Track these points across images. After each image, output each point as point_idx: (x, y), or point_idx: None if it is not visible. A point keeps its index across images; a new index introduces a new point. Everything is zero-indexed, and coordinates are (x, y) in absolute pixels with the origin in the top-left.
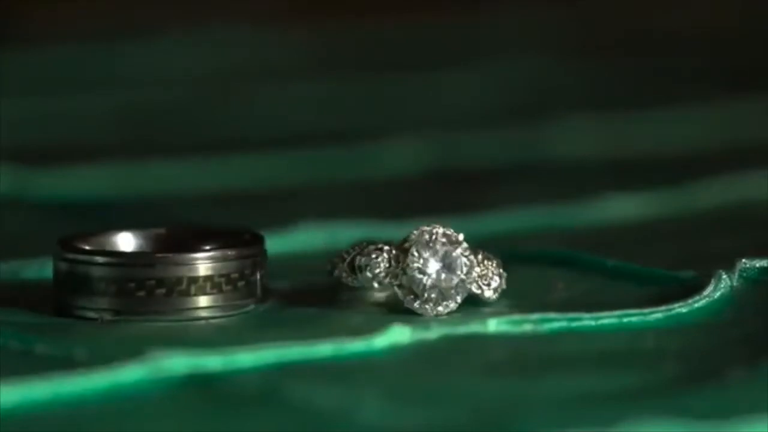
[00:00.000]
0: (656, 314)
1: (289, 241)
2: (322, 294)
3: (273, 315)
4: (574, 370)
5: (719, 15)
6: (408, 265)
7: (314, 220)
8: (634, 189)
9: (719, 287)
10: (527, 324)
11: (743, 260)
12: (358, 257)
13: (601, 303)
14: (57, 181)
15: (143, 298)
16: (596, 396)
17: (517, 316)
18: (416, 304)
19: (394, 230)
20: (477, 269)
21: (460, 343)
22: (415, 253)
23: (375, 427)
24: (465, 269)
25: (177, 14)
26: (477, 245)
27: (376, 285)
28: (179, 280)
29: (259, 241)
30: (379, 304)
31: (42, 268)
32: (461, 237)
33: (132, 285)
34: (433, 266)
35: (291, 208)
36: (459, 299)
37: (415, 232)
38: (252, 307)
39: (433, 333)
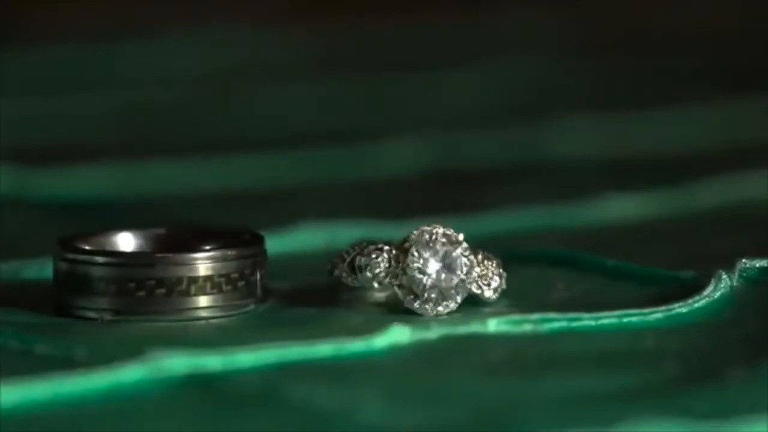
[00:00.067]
0: (656, 314)
1: (289, 241)
2: (322, 294)
3: (273, 315)
4: (574, 370)
5: (719, 15)
6: (408, 265)
7: (314, 220)
8: (634, 189)
9: (719, 287)
10: (527, 324)
11: (743, 260)
12: (358, 257)
13: (601, 303)
14: (57, 181)
15: (143, 298)
16: (596, 396)
17: (517, 316)
18: (416, 304)
19: (394, 230)
20: (477, 269)
21: (460, 343)
22: (415, 253)
23: (375, 427)
24: (465, 269)
25: (177, 14)
26: (477, 245)
27: (376, 285)
28: (179, 280)
29: (259, 241)
30: (379, 304)
31: (42, 268)
32: (461, 237)
33: (132, 285)
34: (433, 266)
35: (291, 208)
36: (459, 299)
37: (415, 232)
38: (252, 307)
39: (433, 333)
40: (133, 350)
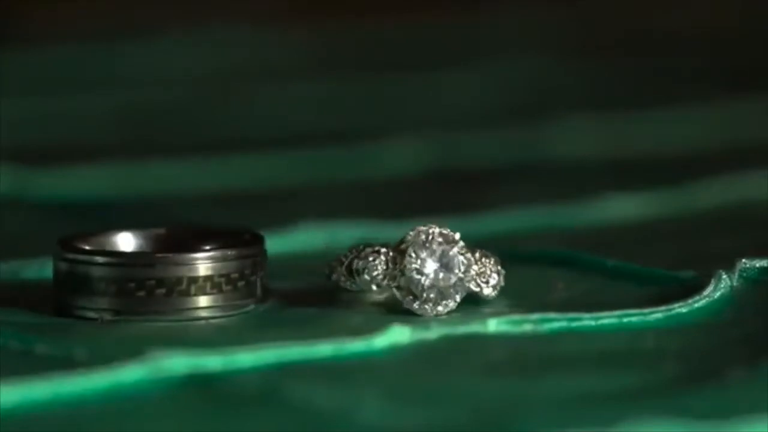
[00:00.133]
0: (656, 314)
1: (289, 241)
2: (322, 294)
3: (273, 315)
4: (574, 370)
5: (719, 15)
6: (405, 266)
7: (314, 220)
8: (634, 189)
9: (719, 287)
10: (527, 324)
11: (743, 260)
12: (356, 260)
13: (601, 303)
14: (57, 181)
15: (143, 298)
16: (596, 396)
17: (517, 316)
18: (415, 305)
19: (394, 230)
20: (475, 267)
21: (460, 343)
22: (412, 254)
23: (375, 427)
24: (463, 268)
25: (177, 14)
26: (477, 245)
27: (374, 288)
28: (179, 280)
29: (259, 241)
30: (378, 304)
31: (42, 268)
32: (457, 236)
33: (132, 285)
34: (431, 266)
35: (291, 208)
36: (458, 298)
37: (411, 232)
38: (252, 307)
39: (433, 333)
40: (133, 350)
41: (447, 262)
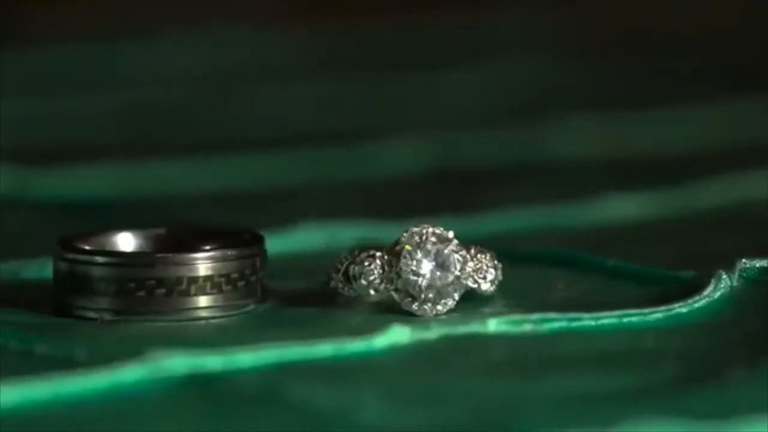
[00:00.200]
0: (656, 314)
1: (289, 241)
2: (322, 294)
3: (273, 315)
4: (574, 370)
5: (719, 15)
6: (401, 268)
7: (314, 220)
8: (634, 189)
9: (719, 287)
10: (527, 324)
11: (743, 260)
12: (352, 266)
13: (601, 303)
14: (57, 181)
15: (143, 298)
16: (596, 396)
17: (517, 316)
18: (414, 306)
19: (394, 230)
20: (471, 264)
21: (460, 343)
22: (408, 256)
23: (375, 427)
24: (459, 265)
25: (177, 14)
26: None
27: (372, 292)
28: (179, 280)
29: (259, 241)
30: (378, 304)
31: (42, 268)
32: (451, 234)
33: (132, 285)
34: (427, 266)
35: (291, 208)
36: (456, 296)
37: (405, 234)
38: (252, 307)
39: (433, 333)
40: (133, 350)
41: (442, 262)
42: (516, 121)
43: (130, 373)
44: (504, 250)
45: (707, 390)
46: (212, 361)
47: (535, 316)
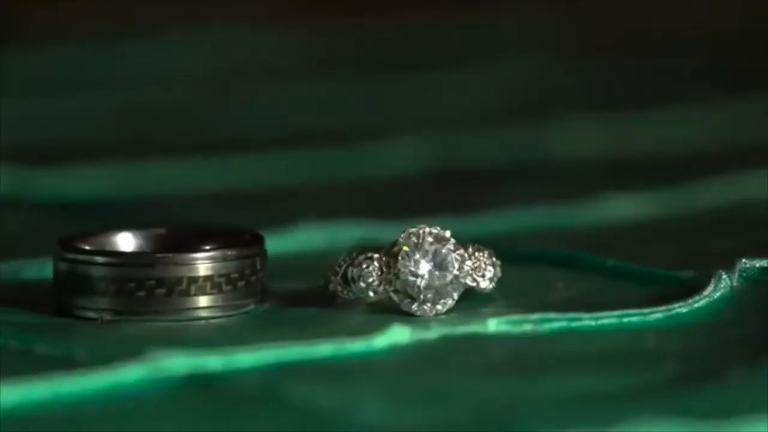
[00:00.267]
0: (656, 314)
1: (289, 241)
2: (322, 294)
3: (273, 315)
4: (574, 370)
5: (719, 15)
6: (399, 269)
7: (314, 220)
8: (634, 189)
9: (719, 287)
10: (527, 324)
11: (743, 260)
12: (350, 269)
13: (601, 303)
14: (57, 181)
15: (143, 298)
16: (596, 396)
17: (517, 316)
18: (414, 307)
19: (394, 230)
20: (469, 262)
21: (460, 343)
22: (405, 257)
23: (375, 427)
24: (457, 264)
25: (177, 14)
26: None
27: (371, 294)
28: (179, 280)
29: (259, 241)
30: (378, 303)
31: (42, 268)
32: (448, 233)
33: (132, 285)
34: (425, 267)
35: (291, 208)
36: (456, 295)
37: (402, 235)
38: (252, 307)
39: (433, 333)
40: (133, 350)
41: (440, 262)
42: (516, 121)
43: (130, 373)
44: (504, 250)
45: (707, 390)
46: (212, 361)
47: (535, 316)
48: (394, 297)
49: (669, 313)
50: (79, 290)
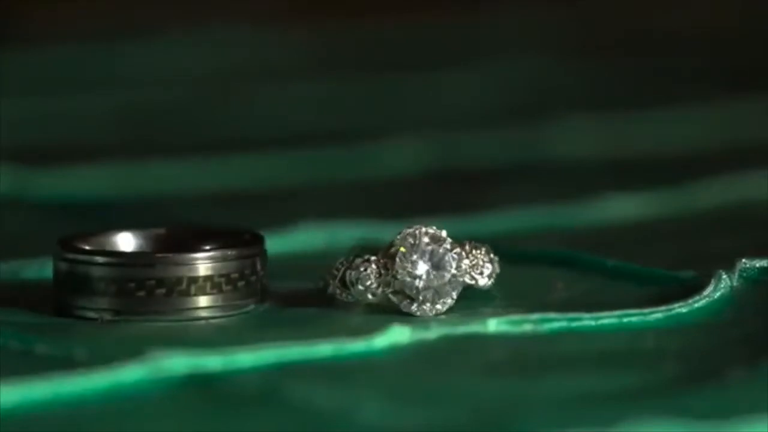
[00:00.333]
0: (656, 314)
1: (289, 241)
2: (322, 294)
3: (273, 315)
4: (574, 370)
5: (719, 15)
6: (397, 271)
7: (314, 220)
8: (634, 189)
9: (719, 287)
10: (527, 324)
11: (743, 260)
12: (348, 272)
13: (601, 303)
14: (57, 181)
15: (143, 298)
16: (596, 396)
17: (517, 316)
18: (413, 307)
19: (394, 230)
20: (466, 261)
21: (460, 343)
22: (403, 258)
23: (375, 427)
24: (454, 263)
25: (177, 14)
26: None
27: (370, 296)
28: (179, 280)
29: (259, 241)
30: (378, 304)
31: (42, 268)
32: (444, 233)
33: (132, 285)
34: (422, 267)
35: (291, 208)
36: (455, 295)
37: (398, 236)
38: (252, 307)
39: (433, 333)
40: (133, 350)
41: (437, 262)
42: (516, 121)
43: (130, 373)
44: (504, 250)
45: (707, 390)
46: (212, 361)
47: (535, 316)
48: (393, 298)
49: (669, 313)
50: (79, 290)
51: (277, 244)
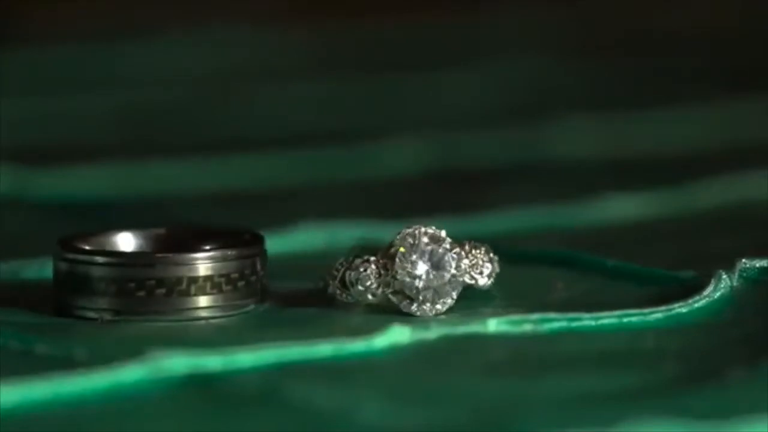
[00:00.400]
0: (656, 314)
1: (289, 241)
2: (322, 294)
3: (273, 315)
4: (574, 370)
5: (719, 15)
6: (397, 271)
7: (314, 220)
8: (634, 189)
9: (719, 287)
10: (527, 324)
11: (743, 260)
12: (348, 272)
13: (601, 303)
14: (57, 181)
15: (143, 298)
16: (596, 396)
17: (517, 316)
18: (413, 308)
19: (394, 230)
20: (466, 261)
21: (460, 343)
22: (402, 258)
23: (375, 427)
24: (454, 264)
25: (177, 14)
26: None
27: (370, 297)
28: (179, 280)
29: (259, 241)
30: (378, 304)
31: (42, 268)
32: (443, 233)
33: (132, 285)
34: (422, 268)
35: (291, 208)
36: (455, 294)
37: (398, 236)
38: (252, 307)
39: (433, 333)
40: (133, 350)
41: (437, 262)
42: (516, 121)
43: (130, 373)
44: (504, 250)
45: (707, 390)
46: (212, 361)
47: (535, 316)
48: (393, 299)
49: (669, 313)
50: (79, 290)
51: (277, 244)
